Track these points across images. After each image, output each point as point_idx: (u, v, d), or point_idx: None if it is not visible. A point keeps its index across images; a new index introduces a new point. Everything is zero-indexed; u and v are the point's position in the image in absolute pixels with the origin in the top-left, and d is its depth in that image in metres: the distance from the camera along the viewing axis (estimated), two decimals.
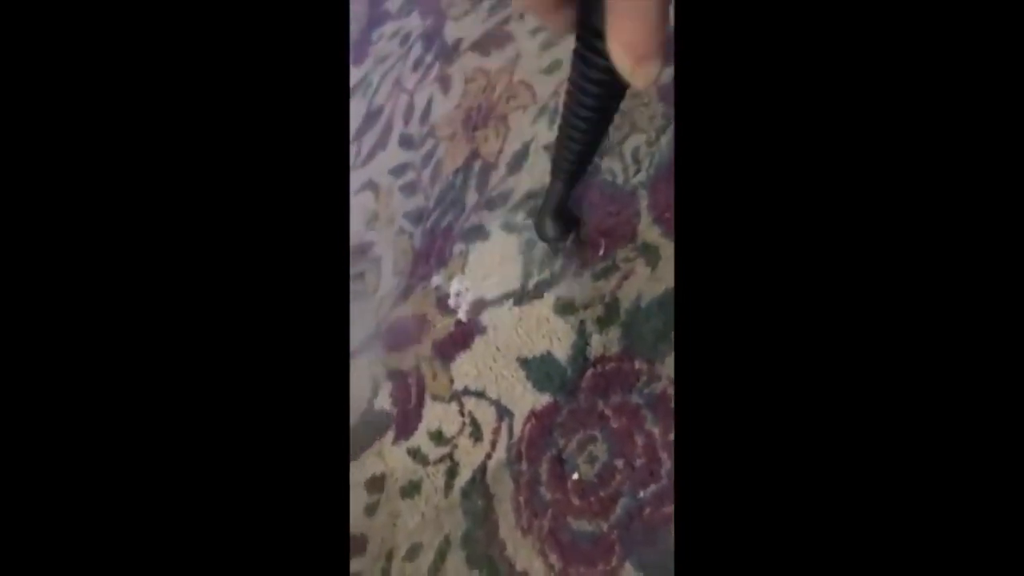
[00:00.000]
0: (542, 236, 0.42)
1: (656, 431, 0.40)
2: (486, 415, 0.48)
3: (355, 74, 0.87)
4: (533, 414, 0.46)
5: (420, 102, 0.74)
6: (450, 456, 0.49)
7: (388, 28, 0.88)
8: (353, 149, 0.78)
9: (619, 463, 0.41)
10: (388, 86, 0.80)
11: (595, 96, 0.28)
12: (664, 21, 0.23)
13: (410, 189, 0.68)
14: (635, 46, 0.23)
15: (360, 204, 0.72)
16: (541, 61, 0.64)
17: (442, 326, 0.55)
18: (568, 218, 0.41)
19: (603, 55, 0.24)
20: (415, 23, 0.85)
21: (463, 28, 0.76)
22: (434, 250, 0.61)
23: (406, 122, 0.74)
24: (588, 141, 0.33)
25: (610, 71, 0.25)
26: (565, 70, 0.59)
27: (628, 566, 0.37)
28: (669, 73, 0.52)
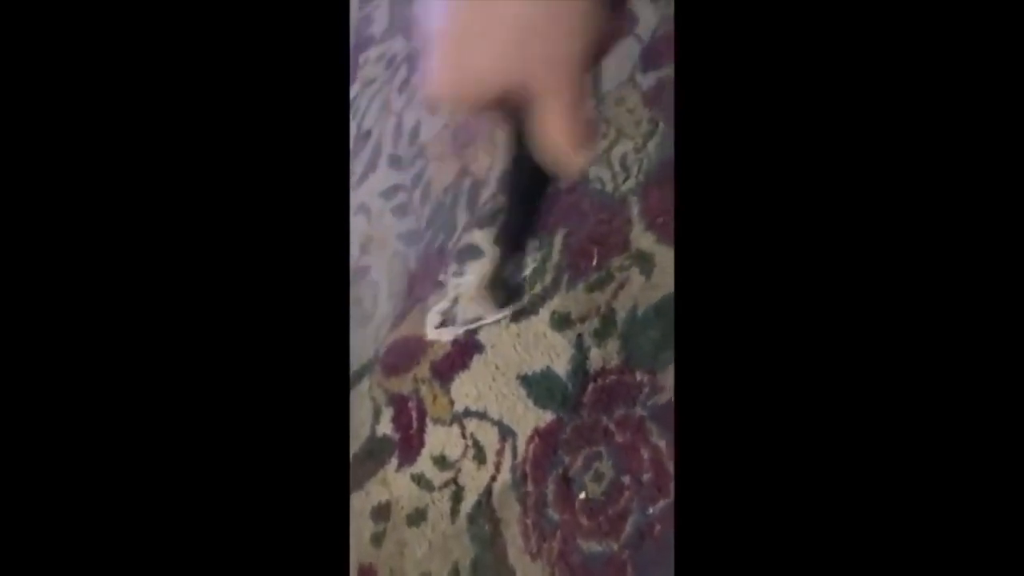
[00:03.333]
0: (482, 308, 0.42)
1: (662, 444, 0.39)
2: (488, 436, 0.47)
3: None
4: (536, 433, 0.45)
5: (408, 123, 0.74)
6: (454, 480, 0.47)
7: (373, 52, 0.89)
8: None
9: (626, 479, 0.39)
10: (376, 109, 0.80)
11: (528, 184, 0.31)
12: (587, 116, 0.24)
13: (402, 211, 0.67)
14: (563, 143, 0.24)
15: (354, 228, 0.72)
16: None
17: (439, 346, 0.54)
18: (511, 288, 0.41)
19: (533, 150, 0.26)
20: (400, 46, 0.85)
21: None
22: (429, 271, 0.60)
23: (395, 144, 0.74)
24: (525, 219, 0.36)
25: (538, 165, 0.26)
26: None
27: None
28: (652, 77, 0.51)
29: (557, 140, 0.24)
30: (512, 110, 0.25)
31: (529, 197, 0.32)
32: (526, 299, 0.46)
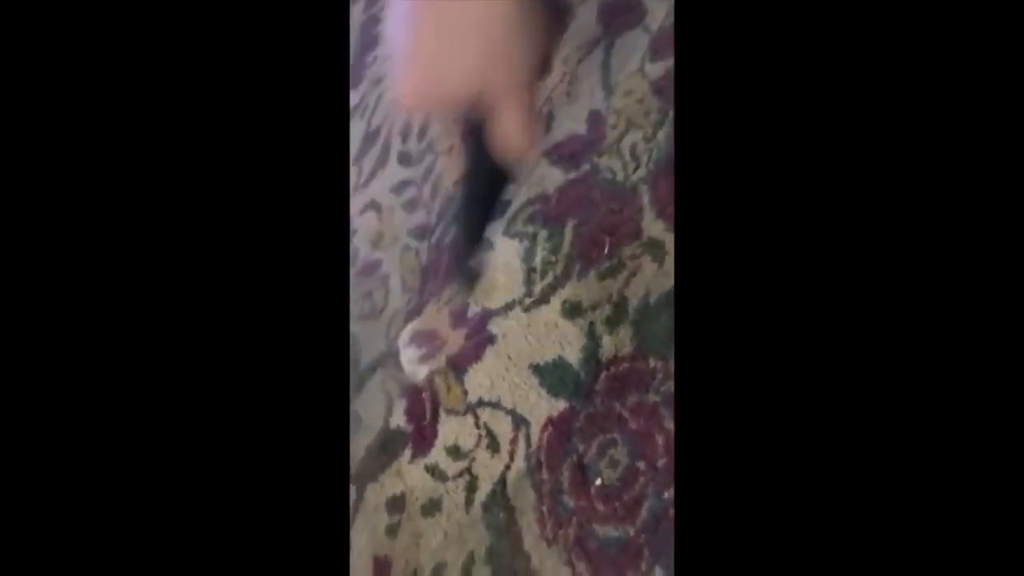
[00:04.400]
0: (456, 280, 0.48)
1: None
2: (502, 425, 0.47)
3: (352, 97, 0.88)
4: (550, 421, 0.45)
5: (417, 119, 0.74)
6: (468, 470, 0.48)
7: (382, 50, 0.89)
8: (354, 171, 0.78)
9: (641, 465, 0.40)
10: (384, 106, 0.81)
11: (487, 179, 0.35)
12: (535, 117, 0.29)
13: (412, 206, 0.68)
14: (518, 142, 0.29)
15: (364, 224, 0.72)
16: None
17: (454, 339, 0.54)
18: (472, 272, 0.47)
19: (491, 152, 0.30)
20: None
21: None
22: (441, 265, 0.60)
23: (404, 140, 0.74)
24: (484, 214, 0.40)
25: (494, 162, 0.31)
26: (556, 74, 0.59)
27: (658, 570, 0.36)
28: (661, 67, 0.51)
29: (512, 139, 0.29)
30: (472, 116, 0.30)
31: (488, 195, 0.37)
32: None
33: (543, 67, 0.28)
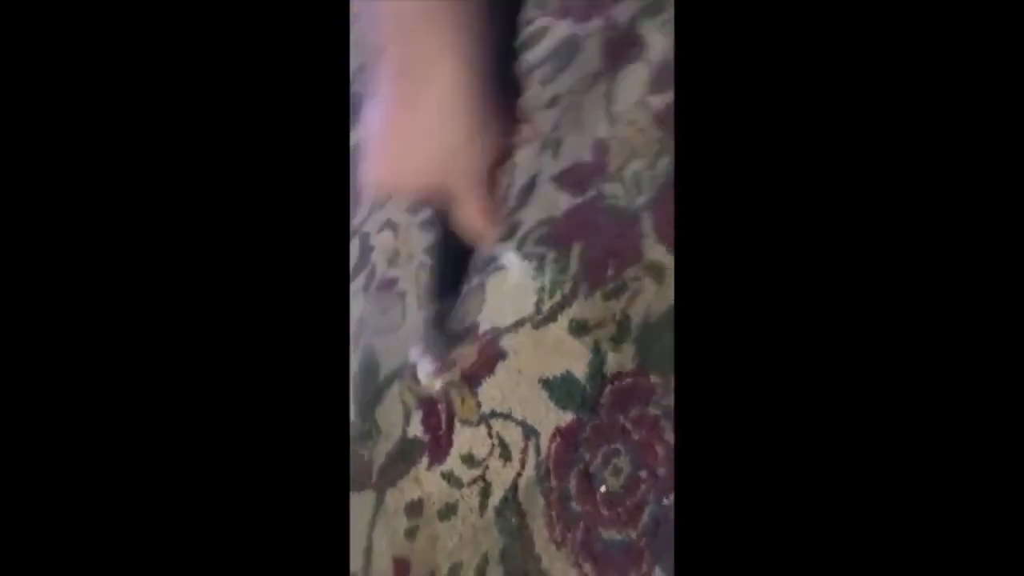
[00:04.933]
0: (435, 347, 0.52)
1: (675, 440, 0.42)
2: (513, 436, 0.50)
3: None
4: (558, 432, 0.48)
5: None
6: (482, 477, 0.51)
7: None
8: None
9: (643, 473, 0.43)
10: None
11: (454, 256, 0.39)
12: (495, 205, 0.31)
13: (428, 225, 0.71)
14: (479, 228, 0.32)
15: (381, 243, 0.76)
16: (543, 96, 0.67)
17: (467, 354, 0.58)
18: (452, 334, 0.50)
19: (455, 228, 0.33)
20: None
21: None
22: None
23: None
24: (453, 281, 0.44)
25: (460, 241, 0.34)
26: (565, 103, 0.63)
27: (658, 571, 0.39)
28: (661, 100, 0.54)
29: (474, 226, 0.32)
30: (438, 202, 0.32)
31: (455, 265, 0.40)
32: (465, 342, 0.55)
33: (502, 159, 0.30)
